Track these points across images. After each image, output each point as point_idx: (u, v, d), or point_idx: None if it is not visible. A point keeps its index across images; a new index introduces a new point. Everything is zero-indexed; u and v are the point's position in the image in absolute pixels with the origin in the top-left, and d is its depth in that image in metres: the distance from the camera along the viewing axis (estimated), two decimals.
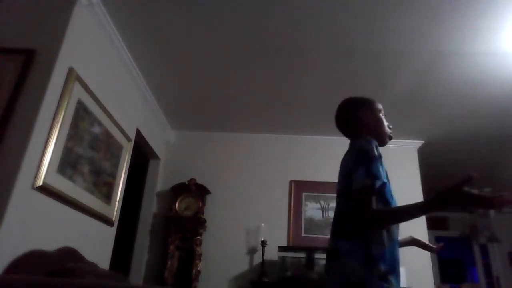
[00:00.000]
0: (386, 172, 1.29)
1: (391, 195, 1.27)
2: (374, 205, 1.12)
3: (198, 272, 3.39)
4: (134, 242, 3.61)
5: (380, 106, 1.46)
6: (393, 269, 1.15)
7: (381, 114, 1.43)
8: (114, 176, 2.70)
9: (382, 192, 1.22)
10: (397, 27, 2.35)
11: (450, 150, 4.17)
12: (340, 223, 1.25)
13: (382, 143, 1.41)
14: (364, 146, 1.23)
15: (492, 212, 4.80)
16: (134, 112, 3.10)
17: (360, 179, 1.16)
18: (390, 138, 1.44)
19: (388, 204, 1.23)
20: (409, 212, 1.10)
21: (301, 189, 3.80)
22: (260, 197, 3.81)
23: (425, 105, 3.28)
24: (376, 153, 1.20)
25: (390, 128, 1.45)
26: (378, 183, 1.14)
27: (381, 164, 1.22)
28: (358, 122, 1.40)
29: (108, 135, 2.56)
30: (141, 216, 3.71)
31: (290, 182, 3.87)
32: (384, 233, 1.18)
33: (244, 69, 2.91)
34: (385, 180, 1.20)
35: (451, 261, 7.66)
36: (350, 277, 1.12)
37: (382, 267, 1.12)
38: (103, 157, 2.50)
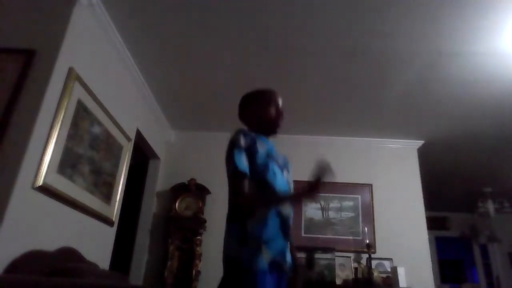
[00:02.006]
0: (269, 151, 1.41)
1: (274, 174, 1.37)
2: (246, 189, 1.29)
3: (198, 272, 3.38)
4: (134, 242, 3.61)
5: (268, 97, 1.55)
6: (270, 242, 1.29)
7: (268, 105, 1.52)
8: (114, 176, 2.70)
9: (258, 174, 1.34)
10: (398, 27, 2.35)
11: (450, 150, 4.17)
12: (228, 208, 1.41)
13: (272, 131, 1.53)
14: (232, 137, 1.39)
15: (492, 212, 4.76)
16: (134, 112, 3.10)
17: (229, 168, 1.34)
18: (277, 124, 1.52)
19: (268, 183, 1.34)
20: (276, 200, 1.34)
21: None
22: None
23: (425, 105, 3.28)
24: (240, 142, 1.35)
25: (279, 114, 1.52)
26: (241, 169, 1.30)
27: (250, 149, 1.35)
28: (247, 119, 1.56)
29: (108, 135, 2.56)
30: (141, 216, 3.71)
31: None
32: (264, 213, 1.32)
33: (244, 69, 2.91)
34: (261, 161, 1.35)
35: (451, 261, 7.66)
36: (229, 253, 1.32)
37: (255, 244, 1.27)
38: (103, 157, 2.50)
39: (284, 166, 1.48)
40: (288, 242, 1.38)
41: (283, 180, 1.41)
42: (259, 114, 1.52)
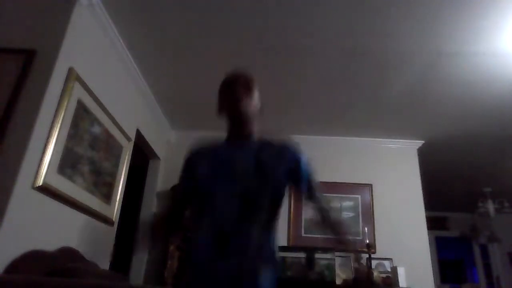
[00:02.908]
0: (214, 165, 1.23)
1: (213, 190, 1.19)
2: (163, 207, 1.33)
3: None
4: (134, 242, 3.61)
5: (222, 85, 1.36)
6: (190, 261, 1.17)
7: (220, 95, 1.34)
8: (114, 176, 2.70)
9: (197, 194, 1.23)
10: (398, 27, 2.35)
11: (450, 150, 4.17)
12: None
13: (234, 118, 1.29)
14: None
15: (492, 212, 4.74)
16: (134, 112, 3.10)
17: None
18: (234, 108, 1.26)
19: (205, 201, 1.20)
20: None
21: None
22: None
23: (425, 105, 3.28)
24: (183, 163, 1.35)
25: (229, 100, 1.28)
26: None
27: (189, 169, 1.31)
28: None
29: (108, 135, 2.56)
30: (141, 216, 3.70)
31: None
32: (193, 233, 1.20)
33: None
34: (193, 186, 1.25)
35: (451, 261, 7.66)
36: None
37: (188, 260, 1.19)
38: (103, 157, 2.50)
39: (246, 172, 1.18)
40: (237, 260, 1.10)
41: (231, 191, 1.16)
42: (219, 106, 1.35)
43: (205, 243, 1.13)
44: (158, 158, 3.88)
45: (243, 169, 1.19)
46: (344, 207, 3.78)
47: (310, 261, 3.32)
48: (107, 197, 2.59)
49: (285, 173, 1.22)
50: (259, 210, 1.16)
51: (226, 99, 1.28)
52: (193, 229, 1.20)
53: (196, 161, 1.29)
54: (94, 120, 2.35)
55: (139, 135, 3.24)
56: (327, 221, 1.27)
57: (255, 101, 1.28)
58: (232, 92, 1.26)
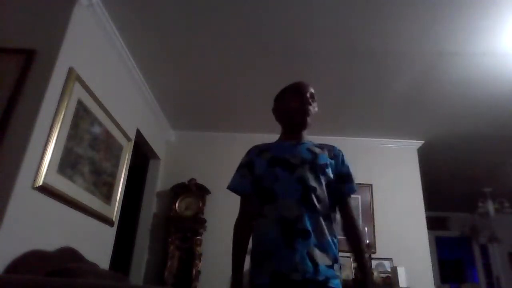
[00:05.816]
0: (274, 156, 1.33)
1: (274, 178, 1.28)
2: (245, 207, 1.35)
3: (198, 272, 3.38)
4: (134, 242, 3.61)
5: (289, 90, 1.47)
6: (271, 253, 1.19)
7: (289, 97, 1.44)
8: (114, 176, 2.70)
9: (259, 183, 1.32)
10: (398, 27, 2.35)
11: (450, 150, 4.17)
12: None
13: (296, 124, 1.41)
14: None
15: (492, 212, 4.73)
16: (134, 112, 3.10)
17: None
18: (301, 114, 1.39)
19: (266, 189, 1.29)
20: (233, 262, 1.29)
21: None
22: None
23: (425, 105, 3.28)
24: (241, 162, 1.41)
25: (296, 106, 1.39)
26: (232, 188, 1.38)
27: (249, 165, 1.36)
28: (277, 119, 1.50)
29: (108, 135, 2.56)
30: (141, 216, 3.71)
31: None
32: (260, 221, 1.27)
33: (245, 69, 2.91)
34: (259, 172, 1.32)
35: (451, 261, 7.66)
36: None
37: (256, 257, 1.24)
38: (103, 157, 2.50)
39: (303, 163, 1.29)
40: (306, 248, 1.18)
41: (289, 179, 1.26)
42: (282, 112, 1.46)
43: (272, 232, 1.21)
44: (158, 158, 3.89)
45: (300, 160, 1.31)
46: None
47: None
48: (107, 197, 2.59)
49: (333, 171, 1.37)
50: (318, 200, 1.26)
51: (292, 106, 1.40)
52: (259, 219, 1.28)
53: (254, 158, 1.38)
54: (94, 120, 2.35)
55: (139, 135, 3.24)
56: (355, 239, 1.42)
57: (315, 110, 1.46)
58: (301, 102, 1.40)
